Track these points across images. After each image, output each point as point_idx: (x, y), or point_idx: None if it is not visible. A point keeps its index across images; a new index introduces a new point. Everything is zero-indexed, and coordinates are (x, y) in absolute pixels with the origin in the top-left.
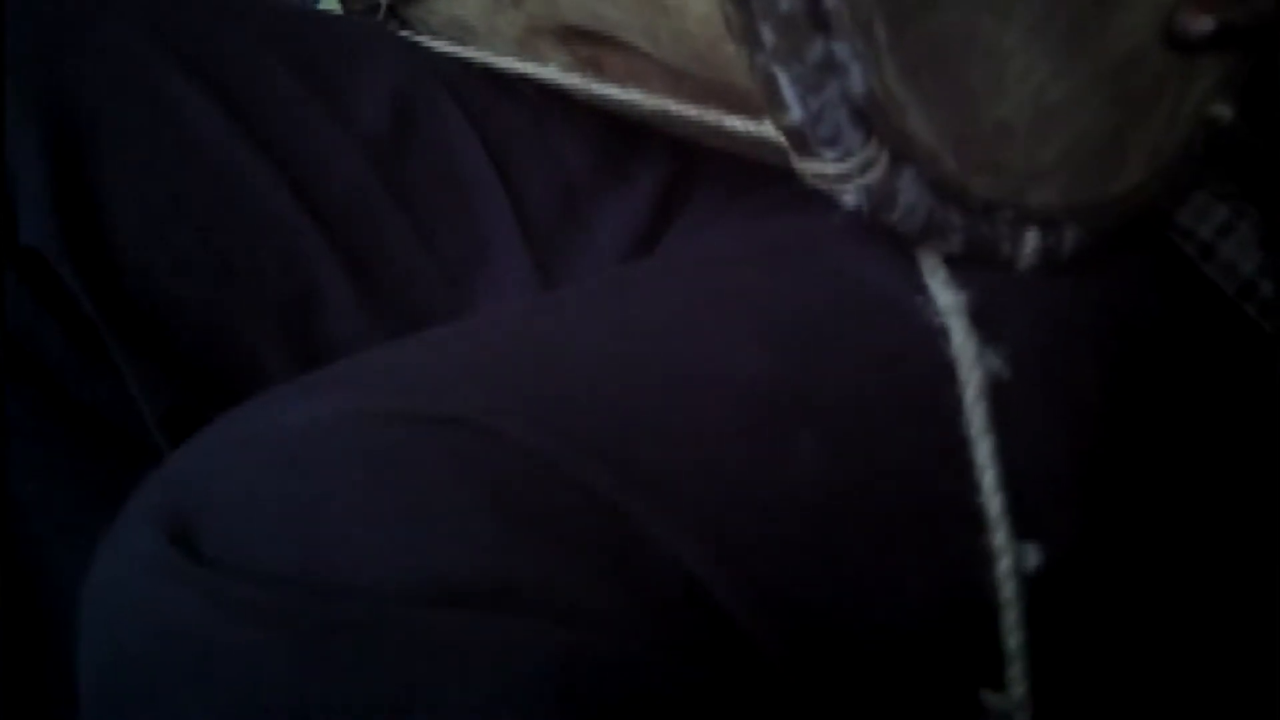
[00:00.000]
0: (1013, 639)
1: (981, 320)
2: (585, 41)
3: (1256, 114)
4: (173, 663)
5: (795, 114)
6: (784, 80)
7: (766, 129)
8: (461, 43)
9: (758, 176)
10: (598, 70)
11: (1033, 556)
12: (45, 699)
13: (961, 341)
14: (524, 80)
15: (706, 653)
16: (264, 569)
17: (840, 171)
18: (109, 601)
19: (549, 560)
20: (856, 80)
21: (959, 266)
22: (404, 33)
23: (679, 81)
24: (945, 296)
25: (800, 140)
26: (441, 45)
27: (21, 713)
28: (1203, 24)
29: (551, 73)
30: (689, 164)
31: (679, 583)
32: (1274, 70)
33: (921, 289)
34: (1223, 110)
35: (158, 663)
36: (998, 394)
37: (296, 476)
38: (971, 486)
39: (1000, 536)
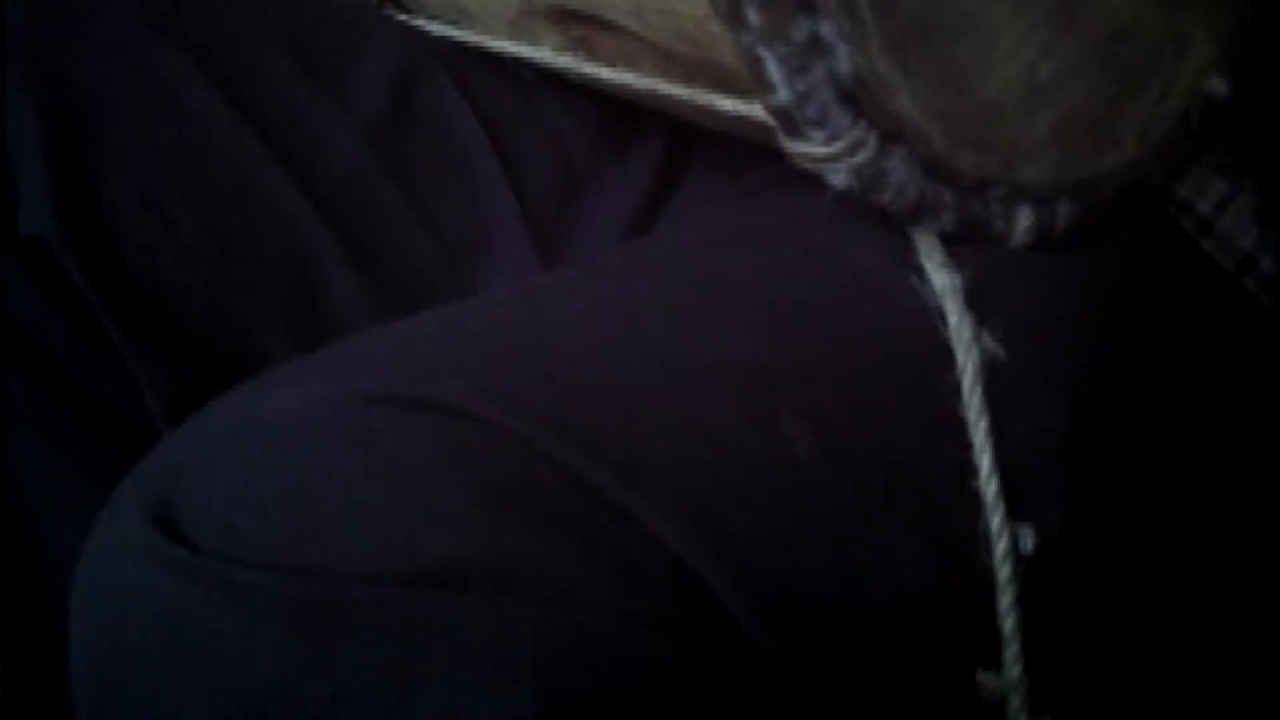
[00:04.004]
0: (1009, 620)
1: (977, 301)
2: (577, 22)
3: (1253, 87)
4: (163, 649)
5: (782, 95)
6: (770, 61)
7: (756, 109)
8: (456, 25)
9: (754, 153)
10: (590, 51)
11: (1029, 538)
12: (46, 680)
13: (957, 323)
14: (519, 62)
15: (694, 634)
16: (251, 554)
17: (829, 153)
18: (98, 589)
19: (532, 543)
20: (843, 61)
21: (954, 245)
22: (400, 16)
23: (669, 62)
24: (941, 278)
25: (788, 121)
26: (437, 28)
27: (23, 698)
28: None
29: (544, 54)
30: (686, 141)
31: (664, 564)
32: (1270, 42)
33: (917, 269)
34: (1218, 83)
35: (148, 649)
36: (994, 375)
37: (282, 461)
38: (967, 469)
39: (997, 519)
